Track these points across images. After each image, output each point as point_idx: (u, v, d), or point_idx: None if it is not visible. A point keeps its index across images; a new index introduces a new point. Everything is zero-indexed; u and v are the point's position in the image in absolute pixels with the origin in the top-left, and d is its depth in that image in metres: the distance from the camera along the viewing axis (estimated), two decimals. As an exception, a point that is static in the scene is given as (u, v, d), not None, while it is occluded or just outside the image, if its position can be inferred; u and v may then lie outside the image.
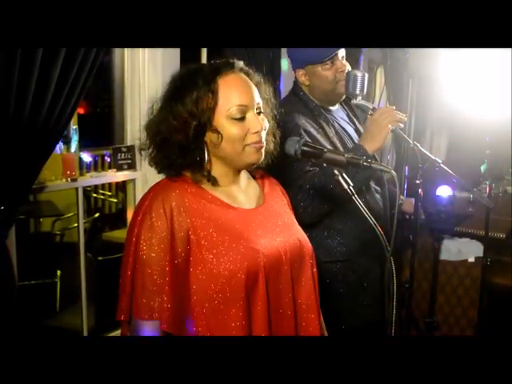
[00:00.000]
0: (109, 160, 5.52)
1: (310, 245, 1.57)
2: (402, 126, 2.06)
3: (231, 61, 1.46)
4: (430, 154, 2.22)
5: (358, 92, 2.13)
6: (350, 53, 2.28)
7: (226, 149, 1.42)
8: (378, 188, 2.27)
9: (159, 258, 1.35)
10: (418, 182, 2.27)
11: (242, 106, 1.40)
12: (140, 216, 1.38)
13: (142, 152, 1.50)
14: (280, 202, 1.62)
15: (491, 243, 3.30)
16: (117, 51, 3.38)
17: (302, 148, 1.52)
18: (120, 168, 3.15)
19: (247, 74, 1.47)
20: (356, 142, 2.18)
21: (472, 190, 2.43)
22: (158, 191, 1.41)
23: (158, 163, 1.47)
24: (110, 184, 6.05)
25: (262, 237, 1.45)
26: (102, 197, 6.24)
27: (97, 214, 5.26)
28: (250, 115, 1.42)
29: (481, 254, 3.35)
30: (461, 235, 3.52)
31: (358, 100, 2.16)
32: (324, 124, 2.17)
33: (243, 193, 1.53)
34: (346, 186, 1.43)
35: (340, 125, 2.26)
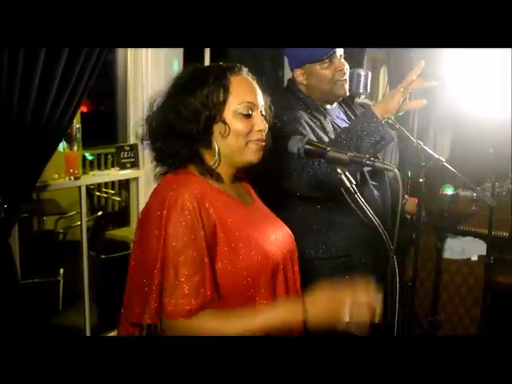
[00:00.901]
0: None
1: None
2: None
3: (238, 65, 1.51)
4: (433, 153, 2.21)
5: (361, 91, 2.13)
6: (353, 51, 2.28)
7: (230, 142, 1.45)
8: (376, 184, 2.26)
9: (197, 254, 1.33)
10: (421, 180, 2.27)
11: (250, 104, 1.46)
12: (164, 212, 1.33)
13: (144, 143, 1.52)
14: (260, 201, 1.68)
15: (494, 242, 3.29)
16: (120, 50, 3.38)
17: (306, 146, 1.52)
18: (123, 166, 3.15)
19: (253, 79, 1.52)
20: None
21: (475, 189, 2.42)
22: (180, 185, 1.39)
23: (161, 154, 1.48)
24: (113, 182, 6.05)
25: (271, 232, 1.52)
26: (105, 195, 6.24)
27: (100, 213, 5.25)
28: (255, 114, 1.47)
29: (484, 253, 3.34)
30: (464, 234, 3.51)
31: (362, 99, 2.16)
32: (321, 118, 2.17)
33: (238, 191, 1.57)
34: (348, 185, 1.43)
35: (336, 123, 2.25)
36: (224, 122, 1.44)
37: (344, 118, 2.33)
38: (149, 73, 3.10)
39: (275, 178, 2.01)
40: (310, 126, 2.07)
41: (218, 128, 1.45)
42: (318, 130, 2.10)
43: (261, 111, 1.50)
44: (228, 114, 1.44)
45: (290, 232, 1.63)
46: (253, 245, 1.42)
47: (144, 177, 3.23)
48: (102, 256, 4.08)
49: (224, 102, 1.44)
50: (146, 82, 3.13)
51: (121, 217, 5.24)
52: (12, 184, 2.10)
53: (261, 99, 1.50)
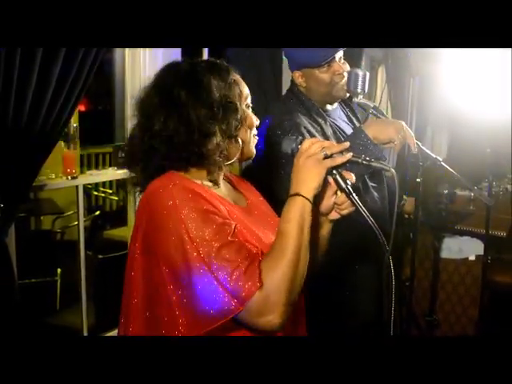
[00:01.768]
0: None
1: None
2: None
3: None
4: (430, 153, 2.21)
5: (359, 90, 2.12)
6: (351, 51, 2.27)
7: (242, 135, 1.41)
8: (376, 186, 2.26)
9: (233, 240, 1.25)
10: (418, 180, 2.27)
11: (250, 97, 1.45)
12: (172, 213, 1.23)
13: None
14: (259, 198, 1.61)
15: (492, 241, 3.30)
16: (118, 49, 3.38)
17: (300, 146, 1.49)
18: (120, 166, 3.15)
19: None
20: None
21: (473, 188, 2.42)
22: (179, 183, 1.29)
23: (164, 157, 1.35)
24: (110, 182, 6.05)
25: (268, 232, 1.43)
26: (102, 195, 6.24)
27: (97, 212, 5.25)
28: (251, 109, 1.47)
29: (481, 252, 3.35)
30: (461, 233, 3.52)
31: (360, 99, 2.15)
32: (322, 122, 2.17)
33: (230, 193, 1.50)
34: (344, 186, 1.41)
35: (337, 124, 2.24)
36: (243, 115, 1.40)
37: (345, 119, 2.32)
38: (147, 72, 3.10)
39: (273, 181, 2.02)
40: (309, 132, 2.07)
41: (235, 122, 1.38)
42: (318, 136, 2.10)
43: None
44: (242, 106, 1.41)
45: None
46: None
47: (141, 176, 3.22)
48: (100, 256, 4.07)
49: (241, 94, 1.40)
50: (143, 82, 3.11)
51: (118, 216, 5.23)
52: (9, 184, 2.09)
53: None
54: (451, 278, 3.58)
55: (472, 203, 3.91)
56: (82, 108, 5.06)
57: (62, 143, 2.75)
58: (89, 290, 3.06)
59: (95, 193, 6.14)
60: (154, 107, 1.36)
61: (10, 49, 1.89)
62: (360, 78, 2.11)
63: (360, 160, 1.42)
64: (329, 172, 1.38)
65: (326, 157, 1.35)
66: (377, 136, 1.99)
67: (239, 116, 1.38)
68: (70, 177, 2.82)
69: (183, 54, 3.14)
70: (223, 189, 1.46)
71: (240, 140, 1.40)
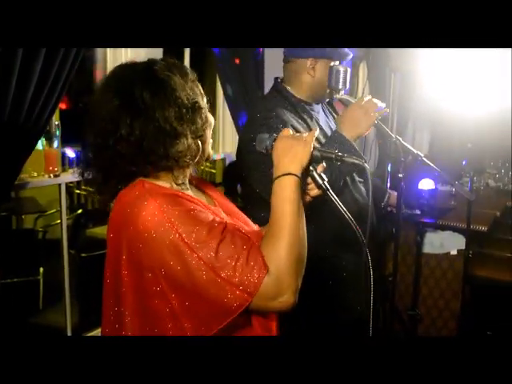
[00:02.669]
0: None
1: None
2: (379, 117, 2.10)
3: None
4: (412, 148, 2.23)
5: (340, 86, 2.13)
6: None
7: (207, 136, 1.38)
8: (362, 181, 2.29)
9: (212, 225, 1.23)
10: (400, 175, 2.28)
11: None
12: (160, 224, 1.20)
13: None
14: (223, 198, 1.58)
15: (473, 236, 3.33)
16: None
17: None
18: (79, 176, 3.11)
19: None
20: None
21: (454, 184, 2.44)
22: (153, 195, 1.25)
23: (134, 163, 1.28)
24: (92, 180, 6.00)
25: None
26: (84, 193, 6.19)
27: (80, 211, 5.21)
28: None
29: (463, 247, 3.38)
30: (443, 228, 3.55)
31: (341, 95, 2.16)
32: (308, 119, 2.17)
33: (197, 194, 1.45)
34: (320, 182, 1.41)
35: (322, 120, 2.26)
36: (206, 113, 1.36)
37: (323, 114, 2.33)
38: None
39: (251, 181, 2.03)
40: (295, 128, 2.07)
41: (201, 121, 1.34)
42: (304, 132, 2.11)
43: None
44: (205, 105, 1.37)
45: (256, 227, 1.53)
46: None
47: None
48: (83, 254, 4.06)
49: (201, 93, 1.36)
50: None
51: (101, 215, 5.20)
52: (-10, 182, 2.07)
53: None
54: (433, 273, 3.61)
55: (453, 198, 3.95)
56: (62, 106, 5.01)
57: (43, 141, 2.73)
58: (72, 288, 3.05)
59: (77, 191, 6.09)
60: (115, 110, 1.27)
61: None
62: (341, 74, 2.12)
63: (333, 156, 1.42)
64: (307, 169, 1.38)
65: None
66: (352, 135, 2.06)
67: (204, 115, 1.34)
68: (52, 175, 2.80)
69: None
70: (191, 191, 1.41)
71: (202, 140, 1.35)
